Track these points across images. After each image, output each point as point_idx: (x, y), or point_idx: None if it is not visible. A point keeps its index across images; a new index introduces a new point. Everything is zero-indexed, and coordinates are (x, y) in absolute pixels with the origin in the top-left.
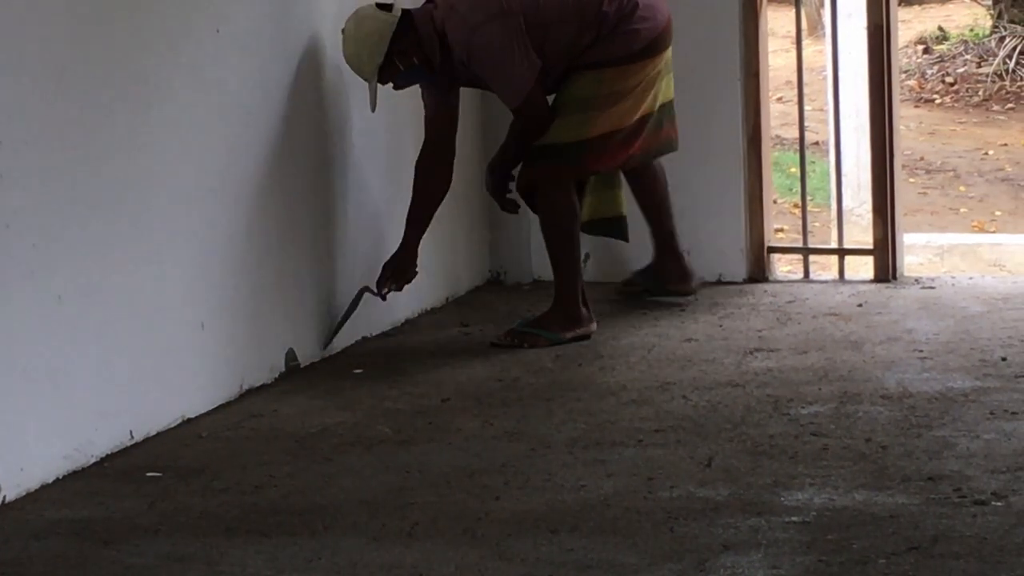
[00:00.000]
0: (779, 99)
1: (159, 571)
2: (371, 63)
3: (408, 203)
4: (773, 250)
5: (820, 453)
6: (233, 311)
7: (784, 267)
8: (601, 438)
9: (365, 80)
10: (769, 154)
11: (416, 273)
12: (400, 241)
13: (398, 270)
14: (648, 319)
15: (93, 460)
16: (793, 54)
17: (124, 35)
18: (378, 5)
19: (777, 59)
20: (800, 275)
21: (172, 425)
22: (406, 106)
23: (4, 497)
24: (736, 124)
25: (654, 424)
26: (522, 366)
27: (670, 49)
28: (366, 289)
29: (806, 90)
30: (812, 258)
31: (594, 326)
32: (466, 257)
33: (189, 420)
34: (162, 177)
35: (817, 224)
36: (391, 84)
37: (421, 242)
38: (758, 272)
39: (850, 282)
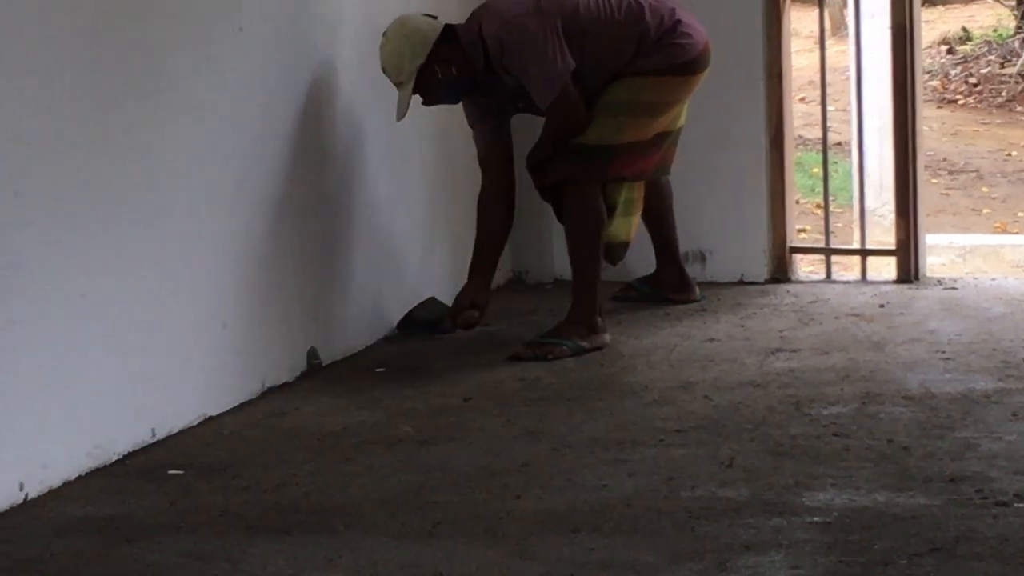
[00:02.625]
0: (802, 99)
1: (180, 569)
2: (412, 64)
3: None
4: (795, 250)
5: (842, 454)
6: (255, 310)
7: (806, 267)
8: (622, 438)
9: (397, 84)
10: (792, 154)
11: (476, 318)
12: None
13: (452, 309)
14: (670, 319)
15: (115, 458)
16: (816, 54)
17: (145, 34)
18: (424, 15)
19: (800, 59)
20: (822, 275)
21: (194, 423)
22: (429, 110)
23: (26, 494)
24: (759, 124)
25: (675, 424)
26: (544, 366)
27: (703, 74)
28: (439, 305)
29: (829, 90)
30: (834, 258)
31: (607, 338)
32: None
33: (211, 418)
34: (185, 176)
35: (839, 224)
36: (421, 99)
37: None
38: (780, 272)
39: (872, 283)
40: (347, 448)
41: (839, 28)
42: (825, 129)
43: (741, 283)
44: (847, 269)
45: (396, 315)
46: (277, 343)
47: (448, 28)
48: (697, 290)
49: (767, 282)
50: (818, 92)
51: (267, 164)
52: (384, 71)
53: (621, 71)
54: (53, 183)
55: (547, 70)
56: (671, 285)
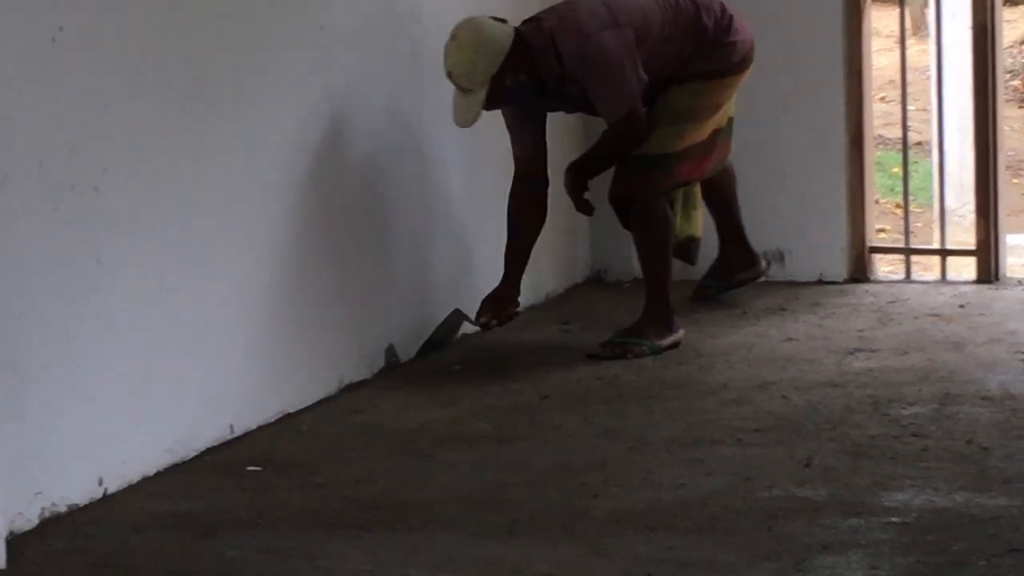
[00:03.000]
0: (882, 99)
1: (258, 564)
2: (485, 71)
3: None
4: (875, 250)
5: (920, 454)
6: (334, 307)
7: (885, 267)
8: (700, 437)
9: (466, 90)
10: (872, 154)
11: (518, 309)
12: (501, 275)
13: (497, 307)
14: (748, 318)
15: (194, 454)
16: (896, 53)
17: (225, 31)
18: (492, 18)
19: (880, 58)
20: (902, 275)
21: (272, 420)
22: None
23: (106, 489)
24: (839, 123)
25: (753, 423)
26: (622, 364)
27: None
28: (462, 316)
29: (909, 90)
30: (914, 258)
31: (683, 333)
32: (566, 255)
33: (289, 415)
34: (266, 173)
35: (919, 224)
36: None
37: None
38: (859, 272)
39: (952, 283)
40: (425, 445)
41: (920, 27)
42: (905, 128)
43: (820, 283)
44: (927, 269)
45: (473, 313)
46: (355, 341)
47: (517, 33)
48: (763, 261)
49: (846, 282)
50: (898, 91)
51: (348, 162)
52: (450, 76)
53: (677, 75)
54: (133, 180)
55: (622, 88)
56: (738, 265)
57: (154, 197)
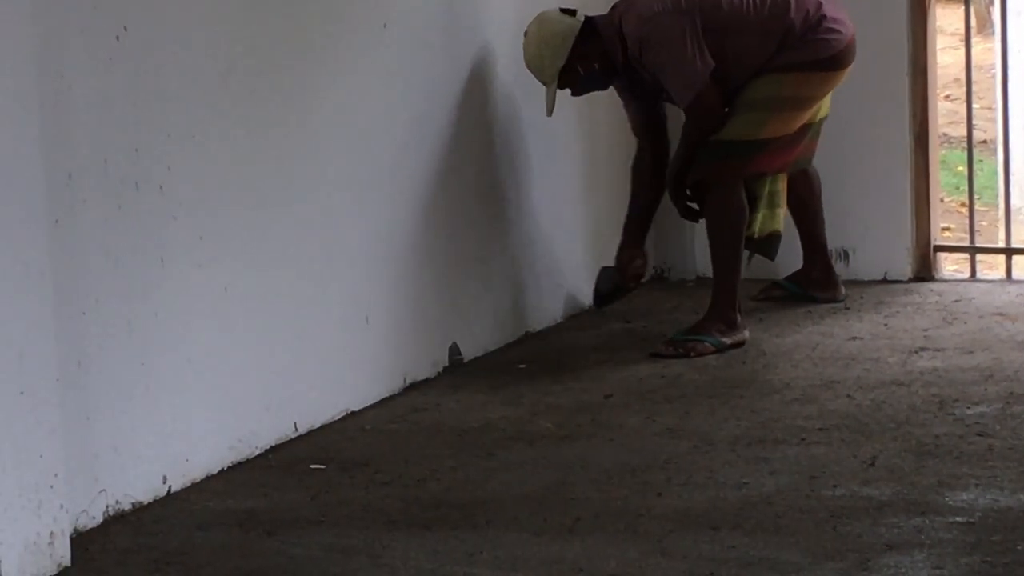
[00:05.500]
0: (947, 97)
1: (322, 562)
2: (552, 66)
3: (623, 206)
4: (940, 249)
5: (985, 453)
6: (397, 305)
7: (951, 266)
8: (764, 436)
9: (543, 84)
10: (936, 152)
11: (642, 268)
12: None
13: (631, 272)
14: (812, 317)
15: (257, 451)
16: (961, 52)
17: (290, 29)
18: (562, 10)
19: (945, 56)
20: (967, 274)
21: (336, 418)
22: (585, 112)
23: (170, 487)
24: (903, 121)
25: (817, 422)
26: (685, 363)
27: (847, 70)
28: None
29: (974, 88)
30: (979, 257)
31: (747, 333)
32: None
33: (353, 413)
34: (328, 173)
35: (984, 223)
36: (568, 90)
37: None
38: (924, 271)
39: (1017, 282)
40: (488, 444)
41: (984, 25)
42: (970, 127)
43: (885, 281)
44: (992, 268)
45: (538, 312)
46: (419, 339)
47: (588, 22)
48: (843, 289)
49: (911, 281)
50: (963, 90)
51: (412, 163)
52: (529, 70)
53: (764, 67)
54: (197, 179)
55: (685, 71)
56: (818, 282)
57: (218, 196)
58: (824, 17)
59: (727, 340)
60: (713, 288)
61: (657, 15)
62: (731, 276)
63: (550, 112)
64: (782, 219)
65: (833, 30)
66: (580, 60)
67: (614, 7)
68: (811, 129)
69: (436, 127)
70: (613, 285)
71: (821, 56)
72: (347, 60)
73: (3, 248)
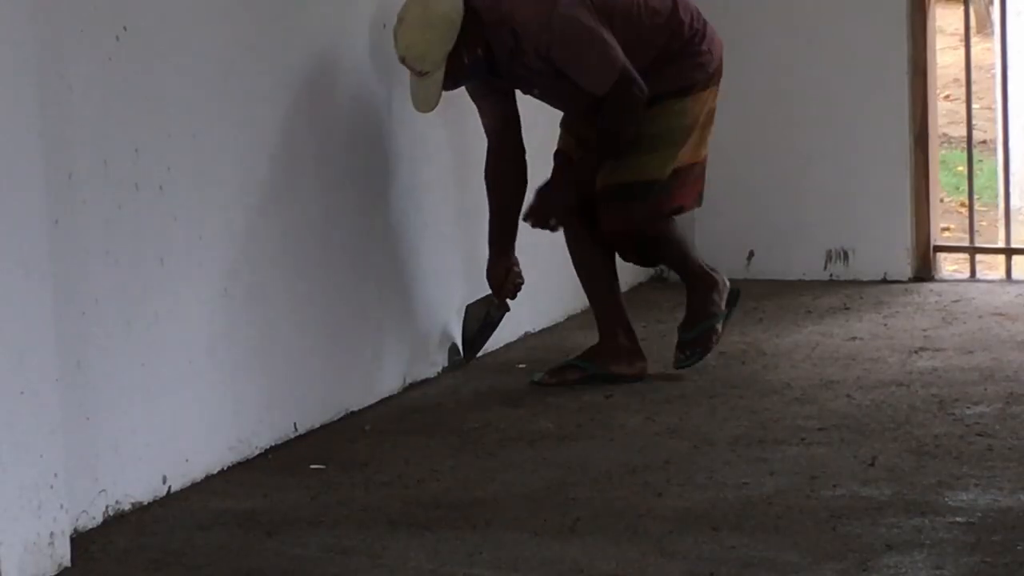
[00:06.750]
0: (947, 97)
1: (321, 562)
2: (440, 50)
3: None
4: (939, 249)
5: (985, 453)
6: (398, 305)
7: (950, 266)
8: (764, 436)
9: (421, 73)
10: (936, 152)
11: (518, 279)
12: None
13: (493, 287)
14: (812, 317)
15: (257, 452)
16: (961, 52)
17: (287, 30)
18: None
19: (945, 56)
20: (966, 274)
21: (336, 418)
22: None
23: (169, 487)
24: (903, 122)
25: (817, 423)
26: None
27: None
28: (481, 306)
29: (974, 88)
30: (979, 257)
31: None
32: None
33: (352, 413)
34: (333, 172)
35: (984, 223)
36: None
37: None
38: (924, 271)
39: (1017, 282)
40: (488, 444)
41: (984, 25)
42: (970, 127)
43: (884, 281)
44: (992, 268)
45: (537, 312)
46: (419, 339)
47: (467, 7)
48: (647, 363)
49: (910, 281)
50: (963, 90)
51: (410, 160)
52: (403, 60)
53: (660, 85)
54: (197, 180)
55: (604, 51)
56: (619, 355)
57: (218, 197)
58: (705, 24)
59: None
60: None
61: (559, 4)
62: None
63: (430, 107)
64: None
65: (713, 41)
66: (465, 47)
67: None
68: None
69: (436, 125)
70: (484, 315)
71: (710, 71)
72: (350, 61)
73: (3, 248)
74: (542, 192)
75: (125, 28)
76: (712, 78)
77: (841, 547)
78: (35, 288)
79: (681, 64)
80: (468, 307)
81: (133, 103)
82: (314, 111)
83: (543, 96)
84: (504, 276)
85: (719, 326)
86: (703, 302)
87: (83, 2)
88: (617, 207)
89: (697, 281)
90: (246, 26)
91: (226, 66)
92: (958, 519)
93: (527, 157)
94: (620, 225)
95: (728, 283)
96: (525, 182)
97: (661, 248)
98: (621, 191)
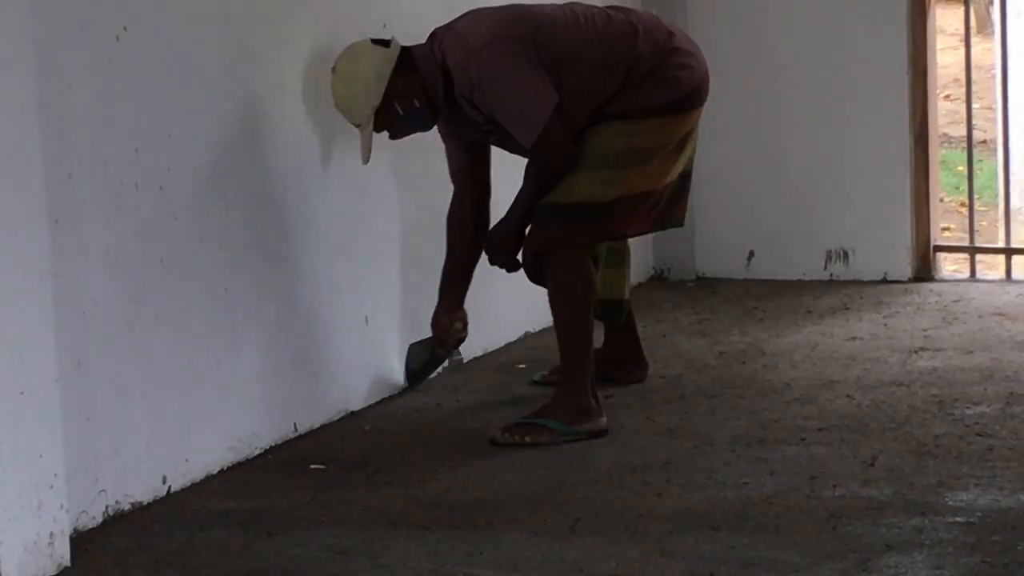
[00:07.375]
0: (947, 97)
1: (322, 562)
2: (366, 106)
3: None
4: (939, 249)
5: (985, 454)
6: (398, 306)
7: (950, 266)
8: (764, 436)
9: (355, 126)
10: (936, 152)
11: (461, 333)
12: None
13: (437, 336)
14: (812, 317)
15: (257, 452)
16: (961, 52)
17: (286, 30)
18: (373, 41)
19: (945, 56)
20: (966, 274)
21: (336, 418)
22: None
23: (169, 488)
24: (903, 122)
25: (817, 423)
26: (685, 363)
27: (702, 109)
28: (424, 347)
29: (974, 88)
30: (979, 257)
31: (604, 421)
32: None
33: (353, 413)
34: (329, 170)
35: (984, 223)
36: (386, 133)
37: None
38: (924, 271)
39: (1017, 282)
40: (488, 444)
41: (984, 25)
42: (970, 127)
43: (884, 281)
44: (991, 268)
45: (536, 312)
46: (418, 338)
47: (405, 53)
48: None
49: (911, 281)
50: (963, 90)
51: (419, 161)
52: (339, 111)
53: (606, 107)
54: (197, 180)
55: (525, 104)
56: (621, 363)
57: (217, 197)
58: (676, 50)
59: (577, 428)
60: (562, 369)
61: (486, 45)
62: (582, 356)
63: (367, 159)
64: (627, 284)
65: (685, 65)
66: (399, 98)
67: (433, 35)
68: (671, 187)
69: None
70: (429, 355)
71: (673, 98)
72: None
73: (3, 248)
74: (488, 236)
75: (125, 28)
76: (680, 104)
77: (841, 547)
78: (35, 288)
79: (639, 91)
80: (411, 347)
81: (133, 103)
82: (314, 111)
83: (498, 143)
84: (448, 327)
85: (552, 435)
86: (561, 409)
87: (83, 2)
88: (544, 225)
89: (571, 387)
90: (246, 26)
91: (227, 66)
92: (958, 519)
93: (495, 195)
94: (541, 244)
95: (605, 427)
96: (486, 232)
97: (565, 285)
98: (554, 210)
